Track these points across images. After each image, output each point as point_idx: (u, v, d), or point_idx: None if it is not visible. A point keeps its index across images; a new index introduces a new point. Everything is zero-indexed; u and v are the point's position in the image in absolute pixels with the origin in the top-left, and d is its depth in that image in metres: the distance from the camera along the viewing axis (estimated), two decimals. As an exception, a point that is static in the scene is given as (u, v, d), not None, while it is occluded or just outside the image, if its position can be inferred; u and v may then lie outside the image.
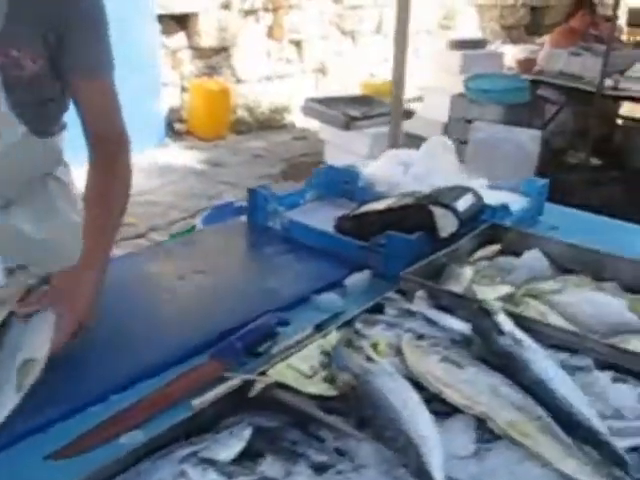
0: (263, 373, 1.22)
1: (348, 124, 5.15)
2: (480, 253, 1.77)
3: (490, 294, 1.55)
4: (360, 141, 5.14)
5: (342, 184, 2.24)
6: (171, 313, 1.55)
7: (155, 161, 5.69)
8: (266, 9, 6.88)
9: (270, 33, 7.03)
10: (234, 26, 6.60)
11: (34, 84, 1.43)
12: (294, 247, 1.88)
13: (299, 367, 1.25)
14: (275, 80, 7.17)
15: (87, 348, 1.38)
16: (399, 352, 1.29)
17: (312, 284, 1.68)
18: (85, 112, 1.55)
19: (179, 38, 6.35)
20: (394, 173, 2.23)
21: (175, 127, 6.46)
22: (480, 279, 1.64)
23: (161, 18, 6.09)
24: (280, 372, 1.23)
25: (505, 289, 1.59)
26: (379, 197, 2.06)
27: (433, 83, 6.19)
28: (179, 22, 6.35)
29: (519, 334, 1.28)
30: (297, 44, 7.31)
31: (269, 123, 6.88)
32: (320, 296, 1.63)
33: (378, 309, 1.47)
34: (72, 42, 1.45)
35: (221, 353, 1.38)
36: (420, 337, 1.30)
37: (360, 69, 7.70)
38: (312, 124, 6.12)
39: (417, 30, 8.37)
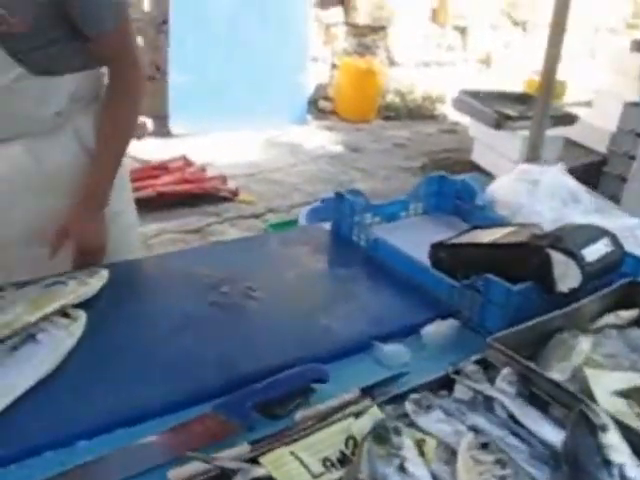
0: (255, 460, 0.90)
1: (500, 123, 4.65)
2: (608, 319, 1.34)
3: (607, 384, 1.13)
4: (511, 143, 4.63)
5: (456, 199, 1.86)
6: (185, 342, 1.24)
7: (290, 138, 5.46)
8: (431, -10, 6.45)
9: (433, 16, 6.58)
10: (394, 5, 6.21)
11: (31, 35, 1.37)
12: (374, 272, 1.53)
13: (306, 459, 0.91)
14: (433, 67, 6.72)
15: (59, 374, 1.12)
16: (453, 457, 0.92)
17: (379, 327, 1.32)
18: (102, 52, 1.50)
19: (335, 12, 6.05)
20: (520, 193, 1.81)
21: (320, 105, 6.20)
22: (599, 358, 1.22)
23: (318, -10, 5.85)
24: (278, 462, 0.90)
25: (632, 379, 1.17)
26: (496, 223, 1.67)
27: (607, 87, 5.52)
28: (337, -5, 6.07)
29: (634, 472, 0.87)
30: (462, 31, 6.81)
31: (419, 112, 6.45)
32: (384, 346, 1.27)
33: (447, 383, 1.11)
34: (75, 10, 1.39)
35: (226, 408, 1.07)
36: (486, 445, 0.92)
37: (529, 64, 7.08)
38: (465, 118, 5.65)
39: (597, 27, 7.62)
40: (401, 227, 1.81)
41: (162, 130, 5.10)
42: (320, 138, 5.67)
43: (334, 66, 6.22)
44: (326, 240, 1.70)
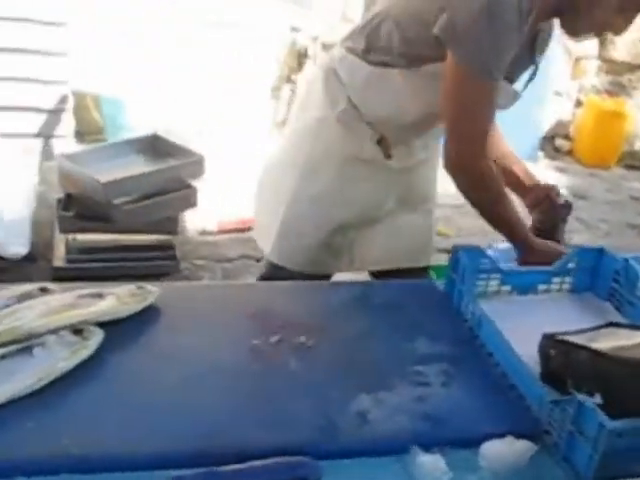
0: None
1: None
2: None
3: None
4: None
5: (613, 282, 1.50)
6: (196, 391, 1.08)
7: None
8: None
9: None
10: (662, 42, 5.52)
11: None
12: (466, 356, 1.26)
13: None
14: (699, 115, 5.91)
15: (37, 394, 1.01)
16: None
17: (432, 427, 1.06)
18: None
19: (589, 45, 5.52)
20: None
21: (556, 143, 5.69)
22: None
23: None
24: None
25: None
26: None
27: None
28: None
29: None
30: None
31: (670, 162, 5.70)
32: (422, 454, 1.01)
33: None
34: None
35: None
36: None
37: None
38: None
39: None
40: (535, 304, 1.50)
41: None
42: (546, 178, 5.21)
43: (579, 103, 5.70)
44: (432, 303, 1.44)
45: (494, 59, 1.39)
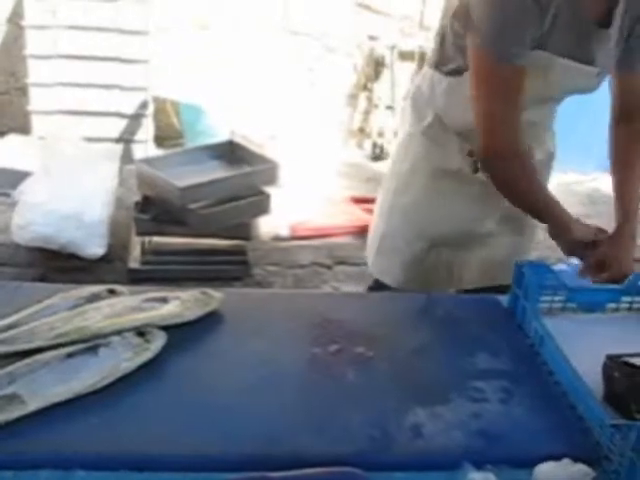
0: None
1: None
2: None
3: None
4: None
5: (688, 303, 1.45)
6: (251, 395, 1.10)
7: (592, 185, 4.92)
8: None
9: None
10: None
11: None
12: (525, 374, 1.23)
13: None
14: None
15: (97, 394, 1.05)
16: None
17: (485, 444, 1.05)
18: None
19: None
20: None
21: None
22: None
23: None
24: None
25: None
26: None
27: None
28: None
29: None
30: None
31: None
32: (473, 472, 0.99)
33: None
34: None
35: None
36: None
37: None
38: None
39: None
40: (601, 323, 1.46)
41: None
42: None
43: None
44: (494, 318, 1.41)
45: (507, 39, 1.36)
